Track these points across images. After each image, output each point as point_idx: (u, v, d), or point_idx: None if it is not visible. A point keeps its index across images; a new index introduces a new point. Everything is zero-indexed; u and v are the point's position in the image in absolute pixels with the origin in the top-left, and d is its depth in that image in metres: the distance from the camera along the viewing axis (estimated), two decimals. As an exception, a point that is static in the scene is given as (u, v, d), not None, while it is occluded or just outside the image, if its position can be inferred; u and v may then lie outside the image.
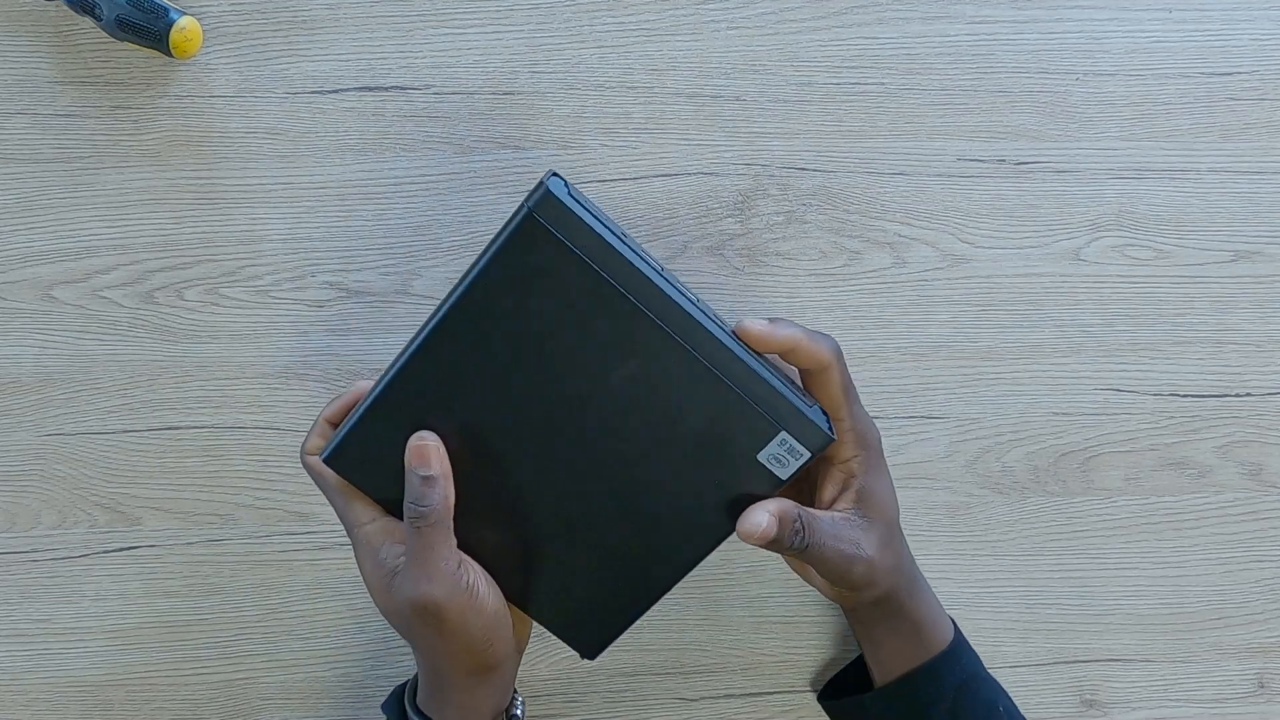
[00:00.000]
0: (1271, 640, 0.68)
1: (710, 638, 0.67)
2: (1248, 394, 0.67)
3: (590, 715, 0.67)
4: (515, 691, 0.59)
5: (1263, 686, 0.68)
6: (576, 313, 0.50)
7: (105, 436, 0.65)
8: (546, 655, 0.67)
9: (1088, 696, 0.68)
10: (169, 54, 0.61)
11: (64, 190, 0.64)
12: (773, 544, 0.52)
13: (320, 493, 0.62)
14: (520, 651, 0.58)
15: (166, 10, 0.60)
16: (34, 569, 0.65)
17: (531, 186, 0.64)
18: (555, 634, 0.57)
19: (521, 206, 0.49)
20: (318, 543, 0.66)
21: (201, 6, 0.63)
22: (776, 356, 0.54)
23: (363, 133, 0.64)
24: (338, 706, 0.66)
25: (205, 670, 0.66)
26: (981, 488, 0.67)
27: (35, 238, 0.64)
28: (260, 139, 0.64)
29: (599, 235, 0.48)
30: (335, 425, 0.56)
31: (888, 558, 0.55)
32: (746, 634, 0.67)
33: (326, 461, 0.54)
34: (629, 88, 0.65)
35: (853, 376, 0.56)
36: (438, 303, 0.52)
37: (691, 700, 0.67)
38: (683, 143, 0.65)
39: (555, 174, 0.50)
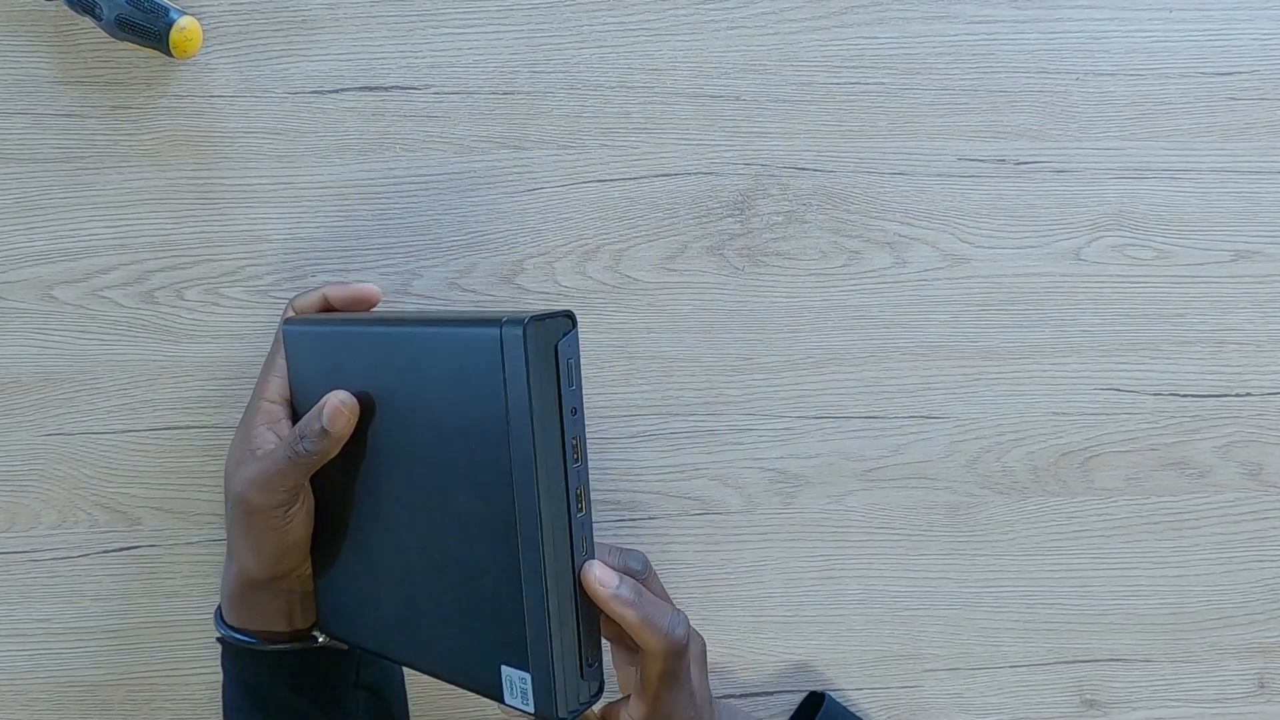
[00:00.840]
0: (1271, 640, 0.68)
1: (710, 638, 0.67)
2: (1248, 394, 0.67)
3: (590, 715, 0.67)
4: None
5: (1263, 686, 0.68)
6: (473, 427, 0.49)
7: (105, 436, 0.65)
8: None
9: (1088, 696, 0.68)
10: (169, 54, 0.61)
11: (64, 190, 0.64)
12: None
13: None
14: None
15: (166, 10, 0.60)
16: (34, 569, 0.65)
17: (528, 184, 0.64)
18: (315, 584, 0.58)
19: (504, 318, 0.48)
20: (318, 543, 0.66)
21: (201, 6, 0.63)
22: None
23: (363, 133, 0.64)
24: (338, 706, 0.66)
25: (205, 670, 0.66)
26: (981, 488, 0.67)
27: (35, 238, 0.64)
28: (260, 139, 0.64)
29: (528, 395, 0.47)
30: (329, 309, 0.59)
31: None
32: (746, 634, 0.67)
33: (285, 331, 0.57)
34: (629, 88, 0.65)
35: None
36: (428, 311, 0.52)
37: (691, 700, 0.67)
38: (683, 143, 0.65)
39: (571, 318, 0.49)
